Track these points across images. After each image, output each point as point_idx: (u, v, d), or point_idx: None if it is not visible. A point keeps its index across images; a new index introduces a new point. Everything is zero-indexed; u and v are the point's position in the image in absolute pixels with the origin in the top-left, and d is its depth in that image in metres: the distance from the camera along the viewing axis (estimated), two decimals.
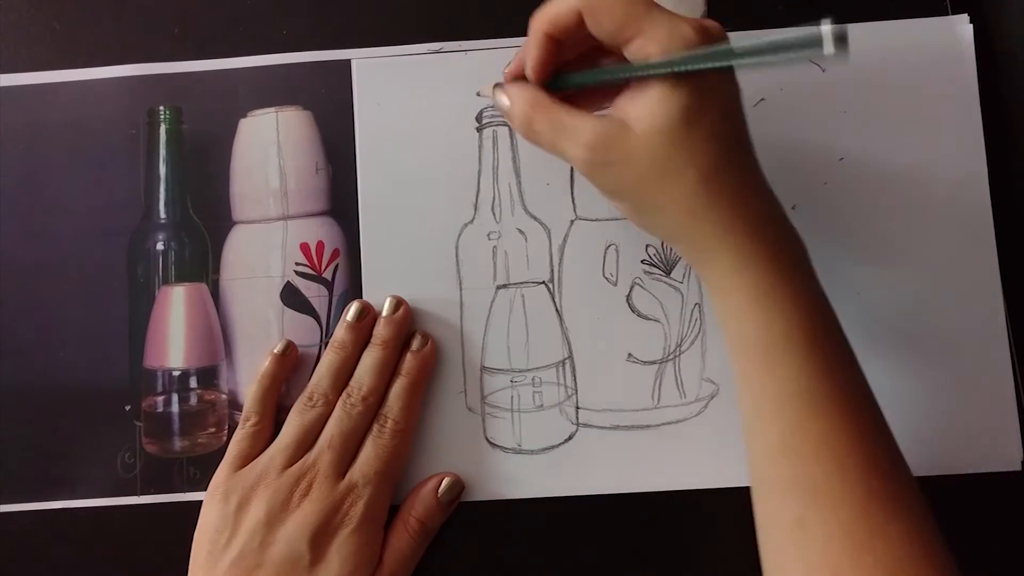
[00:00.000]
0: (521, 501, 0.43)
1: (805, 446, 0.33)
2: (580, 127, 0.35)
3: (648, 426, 0.43)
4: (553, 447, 0.43)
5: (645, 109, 0.33)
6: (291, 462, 0.40)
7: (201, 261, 0.45)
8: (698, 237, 0.35)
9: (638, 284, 0.44)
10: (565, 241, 0.45)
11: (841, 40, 0.26)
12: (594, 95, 0.38)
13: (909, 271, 0.44)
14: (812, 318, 0.34)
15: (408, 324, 0.44)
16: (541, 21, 0.35)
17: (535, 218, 0.45)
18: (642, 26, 0.33)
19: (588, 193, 0.44)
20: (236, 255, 0.45)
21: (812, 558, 0.32)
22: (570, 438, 0.43)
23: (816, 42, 0.26)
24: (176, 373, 0.45)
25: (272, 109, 0.46)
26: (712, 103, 0.33)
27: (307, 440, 0.41)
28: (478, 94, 0.40)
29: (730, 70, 0.34)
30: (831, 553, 0.32)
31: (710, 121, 0.33)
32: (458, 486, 0.43)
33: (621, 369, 0.44)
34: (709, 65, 0.32)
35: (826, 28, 0.25)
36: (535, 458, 0.43)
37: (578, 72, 0.37)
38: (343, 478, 0.40)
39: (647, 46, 0.33)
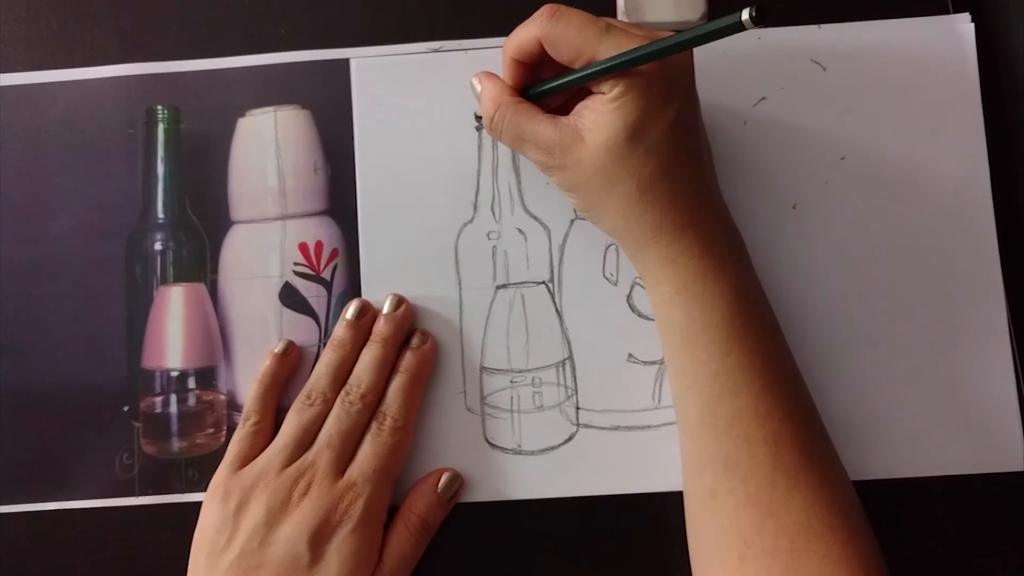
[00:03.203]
0: (521, 501, 0.43)
1: (719, 423, 0.36)
2: (538, 131, 0.38)
3: (648, 426, 0.43)
4: (553, 448, 0.43)
5: (596, 123, 0.37)
6: (290, 461, 0.40)
7: (199, 261, 0.45)
8: (631, 237, 0.38)
9: (638, 284, 0.44)
10: (565, 241, 0.45)
11: (759, 19, 0.30)
12: (566, 94, 0.40)
13: (910, 271, 0.44)
14: (734, 309, 0.37)
15: (409, 323, 0.44)
16: (507, 48, 0.39)
17: (535, 218, 0.45)
18: (596, 52, 0.36)
19: None
20: (234, 255, 0.45)
21: (723, 524, 0.36)
22: (570, 439, 0.43)
23: (737, 26, 0.30)
24: (174, 374, 0.44)
25: (270, 108, 0.46)
26: (657, 120, 0.36)
27: (306, 439, 0.41)
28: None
29: (682, 87, 0.37)
30: (739, 520, 0.35)
31: (653, 136, 0.36)
32: (457, 481, 0.43)
33: (621, 369, 0.44)
34: (645, 59, 0.34)
35: (746, 17, 0.30)
36: (535, 459, 0.43)
37: (543, 81, 0.40)
38: (342, 477, 0.40)
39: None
